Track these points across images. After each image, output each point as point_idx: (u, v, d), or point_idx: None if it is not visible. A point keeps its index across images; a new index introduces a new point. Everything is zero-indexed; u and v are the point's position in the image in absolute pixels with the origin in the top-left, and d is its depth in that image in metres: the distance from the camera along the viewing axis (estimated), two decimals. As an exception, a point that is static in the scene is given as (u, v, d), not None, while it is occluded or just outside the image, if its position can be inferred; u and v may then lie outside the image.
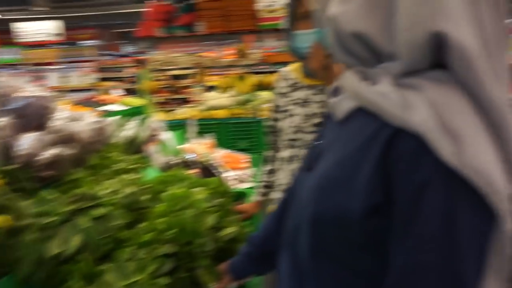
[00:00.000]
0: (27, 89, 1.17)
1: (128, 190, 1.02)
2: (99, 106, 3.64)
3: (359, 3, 0.46)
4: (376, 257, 0.45)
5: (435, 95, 0.40)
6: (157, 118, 2.95)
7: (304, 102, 1.15)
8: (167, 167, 1.66)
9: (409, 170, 0.40)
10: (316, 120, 1.12)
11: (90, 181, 1.06)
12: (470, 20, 0.40)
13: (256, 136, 3.48)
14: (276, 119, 1.29)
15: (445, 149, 0.37)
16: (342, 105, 0.52)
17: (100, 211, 0.88)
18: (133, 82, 6.97)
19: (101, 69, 7.76)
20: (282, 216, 0.74)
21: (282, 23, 1.18)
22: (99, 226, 0.85)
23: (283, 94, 1.22)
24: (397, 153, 0.41)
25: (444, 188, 0.38)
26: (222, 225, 0.94)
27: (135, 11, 7.28)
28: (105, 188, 0.98)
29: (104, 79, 7.64)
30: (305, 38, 1.09)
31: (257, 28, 3.80)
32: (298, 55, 1.14)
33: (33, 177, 1.02)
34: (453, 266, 0.38)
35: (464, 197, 0.38)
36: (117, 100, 3.86)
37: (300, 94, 1.17)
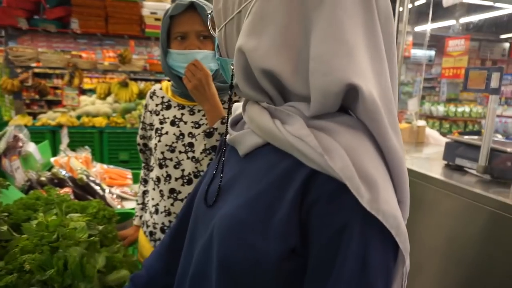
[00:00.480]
0: None
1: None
2: None
3: (271, 40, 0.45)
4: None
5: (348, 140, 0.42)
6: (18, 123, 2.51)
7: (176, 121, 1.12)
8: (31, 187, 1.41)
9: (328, 213, 0.41)
10: (188, 140, 1.09)
11: None
12: (376, 77, 0.44)
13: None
14: (148, 137, 1.22)
15: (363, 196, 0.39)
16: (247, 140, 0.51)
17: None
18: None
19: None
20: (170, 253, 0.68)
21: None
22: None
23: (154, 112, 1.17)
24: (315, 195, 0.42)
25: (360, 231, 0.40)
26: (110, 263, 0.82)
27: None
28: None
29: None
30: (181, 57, 1.06)
31: (142, 35, 3.60)
32: (171, 73, 1.11)
33: None
34: None
35: (377, 238, 0.40)
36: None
37: (171, 113, 1.14)
